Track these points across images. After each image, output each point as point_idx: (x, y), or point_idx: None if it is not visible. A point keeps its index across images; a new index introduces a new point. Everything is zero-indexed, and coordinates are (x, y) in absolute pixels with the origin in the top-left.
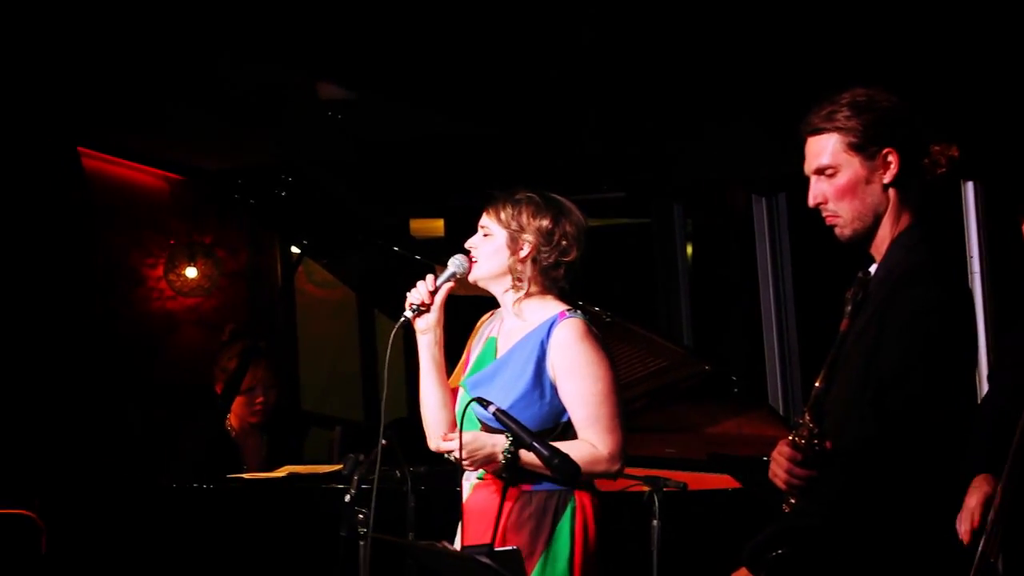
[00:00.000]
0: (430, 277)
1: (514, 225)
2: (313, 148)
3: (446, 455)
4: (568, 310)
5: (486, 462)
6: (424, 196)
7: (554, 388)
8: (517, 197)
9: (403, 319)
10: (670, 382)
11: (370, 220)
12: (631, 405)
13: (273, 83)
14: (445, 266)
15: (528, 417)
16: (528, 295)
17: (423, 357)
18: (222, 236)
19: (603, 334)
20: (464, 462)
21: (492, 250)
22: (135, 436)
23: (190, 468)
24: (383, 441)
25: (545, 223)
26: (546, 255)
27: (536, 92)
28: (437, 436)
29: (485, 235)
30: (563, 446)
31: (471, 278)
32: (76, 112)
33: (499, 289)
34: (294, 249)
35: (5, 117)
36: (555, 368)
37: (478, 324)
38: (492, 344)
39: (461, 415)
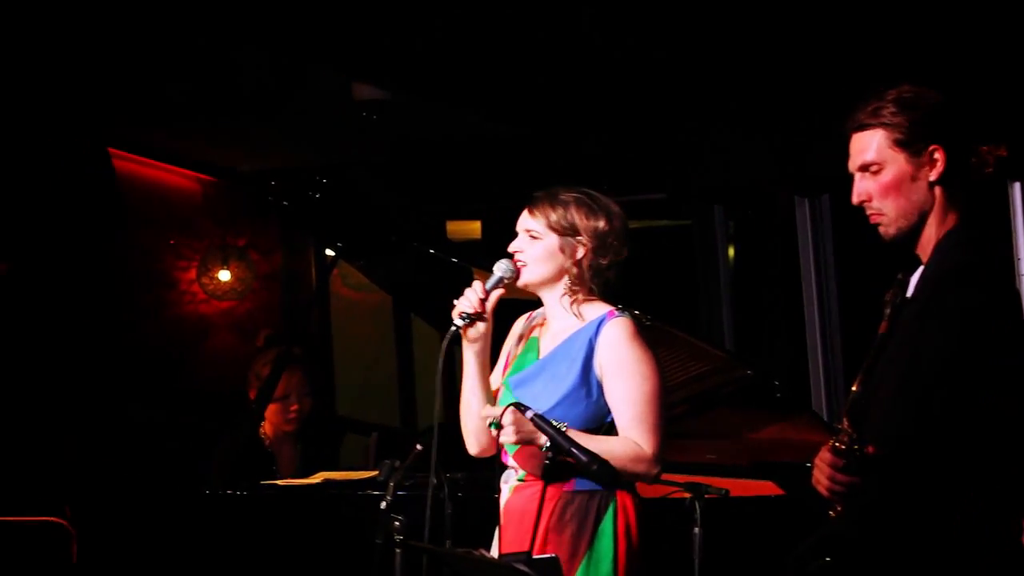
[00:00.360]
0: (478, 284)
1: (566, 227)
2: (348, 149)
3: (487, 421)
4: (617, 309)
5: (529, 438)
6: (460, 197)
7: (600, 387)
8: (563, 197)
9: (453, 329)
10: (711, 387)
11: (406, 222)
12: (671, 411)
13: (307, 83)
14: (483, 269)
15: (574, 416)
16: (577, 297)
17: (470, 365)
18: (256, 239)
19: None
20: (510, 428)
21: (543, 254)
22: (167, 443)
23: (223, 475)
24: (418, 447)
25: (600, 224)
26: (600, 257)
27: (574, 92)
28: (477, 443)
29: (533, 238)
30: (609, 441)
31: (521, 283)
32: (106, 113)
33: (547, 292)
34: (329, 252)
35: (34, 118)
36: (602, 367)
37: (515, 325)
38: (534, 344)
39: (500, 415)
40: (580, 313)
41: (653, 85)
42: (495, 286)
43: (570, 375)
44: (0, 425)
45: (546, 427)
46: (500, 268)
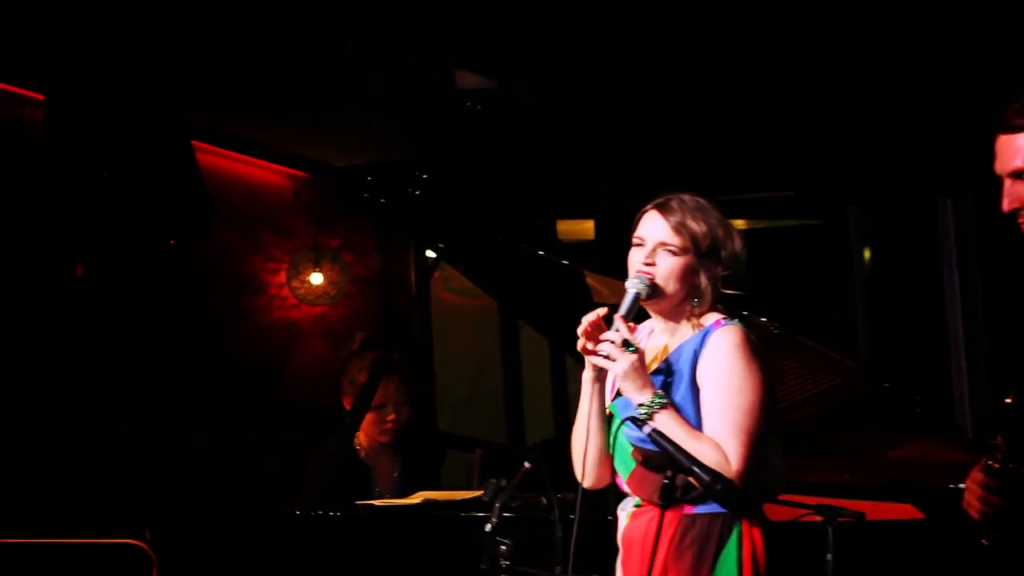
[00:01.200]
0: (618, 318)
1: (707, 247)
2: (451, 142)
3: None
4: (724, 318)
5: (633, 382)
6: (572, 195)
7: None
8: (700, 206)
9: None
10: (844, 401)
11: (513, 221)
12: (800, 427)
13: (407, 70)
14: (597, 273)
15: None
16: (698, 311)
17: (595, 394)
18: (350, 239)
19: (769, 348)
20: (627, 363)
21: (681, 272)
22: (254, 459)
23: (316, 493)
24: (527, 464)
25: (737, 245)
26: (731, 276)
27: (696, 81)
28: (590, 474)
29: (671, 253)
30: (701, 440)
31: (650, 301)
32: (189, 102)
33: (668, 305)
34: (429, 253)
35: (111, 107)
36: (701, 375)
37: None
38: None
39: (613, 438)
40: (690, 325)
41: (783, 75)
42: (632, 309)
43: (677, 390)
44: (78, 441)
45: (665, 443)
46: (635, 285)
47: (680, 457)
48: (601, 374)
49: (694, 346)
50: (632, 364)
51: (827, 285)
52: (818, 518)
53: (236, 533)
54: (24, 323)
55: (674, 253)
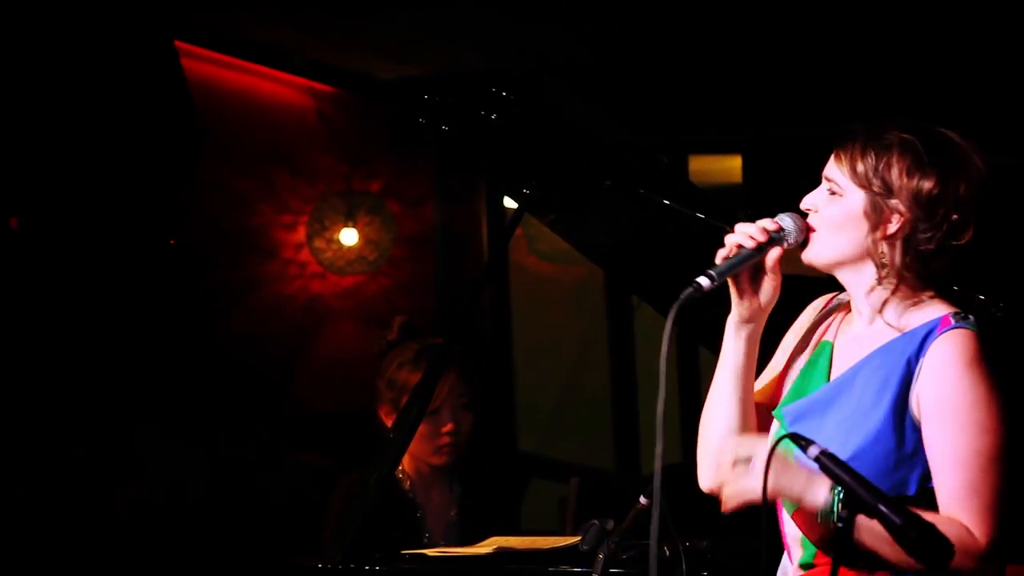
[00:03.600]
0: (766, 222)
1: (877, 184)
2: (541, 47)
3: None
4: (955, 314)
5: (794, 497)
6: (710, 122)
7: (918, 434)
8: (887, 138)
9: (699, 286)
10: None
11: (626, 157)
12: None
13: None
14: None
15: (877, 474)
16: (894, 290)
17: (731, 357)
18: (397, 182)
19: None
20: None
21: (841, 219)
22: (260, 487)
23: (346, 539)
24: (642, 499)
25: (927, 185)
26: (925, 236)
27: None
28: (716, 477)
29: (832, 192)
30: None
31: (805, 258)
32: None
33: (848, 276)
34: (509, 202)
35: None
36: (922, 400)
37: (803, 314)
38: (826, 351)
39: (768, 455)
40: (895, 314)
41: None
42: (773, 242)
43: (876, 412)
44: (17, 459)
45: (839, 472)
46: (784, 221)
47: (860, 490)
48: (753, 315)
49: (908, 352)
50: (780, 489)
51: None
52: None
53: None
54: None
55: (834, 193)
